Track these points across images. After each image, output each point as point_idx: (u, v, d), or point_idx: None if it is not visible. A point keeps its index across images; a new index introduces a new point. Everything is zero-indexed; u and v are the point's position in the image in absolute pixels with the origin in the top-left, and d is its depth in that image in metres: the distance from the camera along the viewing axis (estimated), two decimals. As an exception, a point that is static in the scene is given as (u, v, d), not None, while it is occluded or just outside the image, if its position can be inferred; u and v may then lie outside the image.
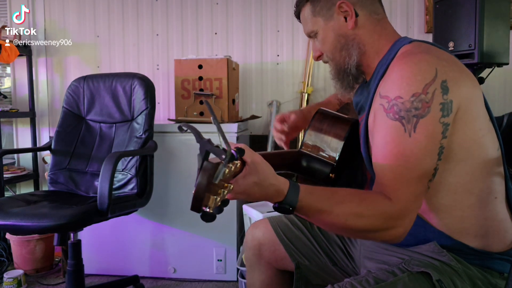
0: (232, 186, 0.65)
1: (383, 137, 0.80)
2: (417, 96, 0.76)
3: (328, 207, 0.76)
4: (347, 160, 0.96)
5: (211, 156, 0.61)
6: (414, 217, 0.78)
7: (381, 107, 0.81)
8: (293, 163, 0.96)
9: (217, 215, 0.60)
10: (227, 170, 0.60)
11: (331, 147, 0.94)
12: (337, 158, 0.92)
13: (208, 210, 0.59)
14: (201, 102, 2.13)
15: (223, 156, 0.59)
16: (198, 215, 0.59)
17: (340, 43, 0.94)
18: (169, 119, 2.43)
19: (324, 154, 0.94)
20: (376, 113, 0.84)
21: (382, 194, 0.77)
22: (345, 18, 0.93)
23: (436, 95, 0.77)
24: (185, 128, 0.68)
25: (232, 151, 0.61)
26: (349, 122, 0.97)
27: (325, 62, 1.01)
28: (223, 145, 0.62)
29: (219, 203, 0.61)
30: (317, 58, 1.01)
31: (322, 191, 0.78)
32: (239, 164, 0.65)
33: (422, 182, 0.77)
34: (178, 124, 0.69)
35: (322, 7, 0.95)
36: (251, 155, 0.71)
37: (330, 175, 0.91)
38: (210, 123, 2.09)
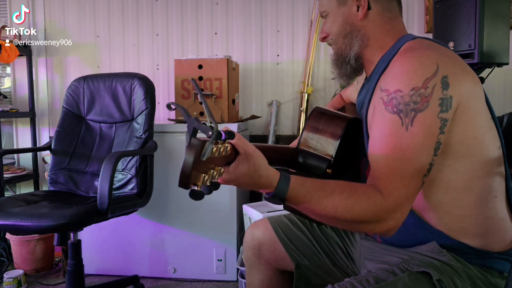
0: (223, 170, 0.65)
1: (381, 129, 0.80)
2: (417, 90, 0.76)
3: (318, 198, 0.76)
4: (347, 157, 0.96)
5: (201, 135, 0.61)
6: (406, 211, 0.78)
7: (380, 100, 0.81)
8: (290, 159, 0.96)
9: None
10: (215, 148, 0.60)
11: (328, 143, 0.94)
12: (334, 153, 0.92)
13: (196, 188, 0.59)
14: (201, 102, 2.13)
15: (210, 133, 0.59)
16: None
17: (345, 30, 0.95)
18: (169, 119, 2.43)
19: (321, 150, 0.94)
20: (375, 106, 0.84)
21: (374, 187, 0.77)
22: (358, 7, 0.93)
23: (436, 90, 0.76)
24: (173, 107, 0.69)
25: (221, 130, 0.61)
26: (346, 119, 0.97)
27: (329, 44, 1.01)
28: (212, 124, 0.62)
29: (208, 183, 0.61)
30: (322, 39, 1.01)
31: (313, 182, 0.78)
32: (229, 148, 0.65)
33: (417, 176, 0.77)
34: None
35: None
36: (244, 146, 0.71)
37: (327, 170, 0.91)
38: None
